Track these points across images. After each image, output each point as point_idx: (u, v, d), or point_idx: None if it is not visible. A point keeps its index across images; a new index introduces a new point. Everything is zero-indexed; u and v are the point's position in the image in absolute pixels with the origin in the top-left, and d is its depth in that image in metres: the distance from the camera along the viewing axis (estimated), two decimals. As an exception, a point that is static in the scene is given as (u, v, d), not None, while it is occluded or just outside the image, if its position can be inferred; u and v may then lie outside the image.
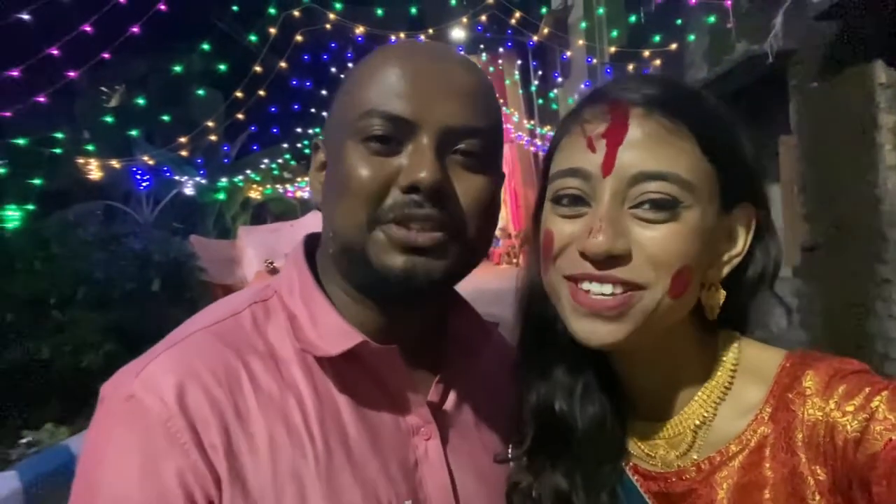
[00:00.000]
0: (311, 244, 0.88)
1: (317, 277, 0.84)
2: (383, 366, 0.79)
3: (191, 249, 9.23)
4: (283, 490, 0.70)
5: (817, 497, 0.65)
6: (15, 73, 5.60)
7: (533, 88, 16.05)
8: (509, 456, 0.84)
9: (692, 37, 7.23)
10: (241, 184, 11.97)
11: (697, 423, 0.75)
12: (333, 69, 11.22)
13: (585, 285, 0.70)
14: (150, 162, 9.28)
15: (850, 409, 0.64)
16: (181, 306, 8.56)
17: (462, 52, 0.91)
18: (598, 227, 0.67)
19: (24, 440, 5.86)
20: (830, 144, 5.09)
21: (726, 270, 0.75)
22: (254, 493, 0.69)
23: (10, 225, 7.68)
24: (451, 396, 0.86)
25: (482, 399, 0.89)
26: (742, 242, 0.75)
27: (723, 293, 0.74)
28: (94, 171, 9.17)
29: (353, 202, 0.75)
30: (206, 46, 7.90)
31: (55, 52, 5.62)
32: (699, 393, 0.76)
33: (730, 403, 0.75)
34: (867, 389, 0.65)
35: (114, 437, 0.69)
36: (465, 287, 0.87)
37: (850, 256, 4.91)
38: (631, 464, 0.80)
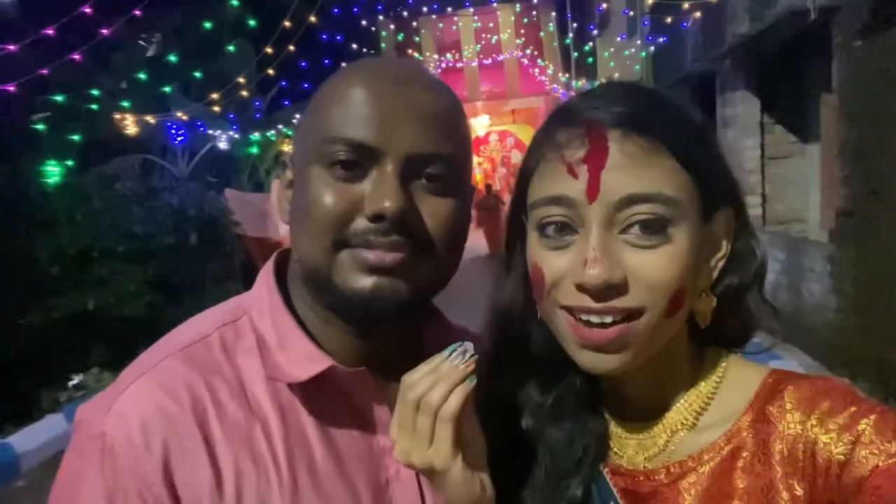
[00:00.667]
0: (282, 262, 0.88)
1: (288, 297, 0.84)
2: (353, 388, 0.80)
3: (225, 204, 9.38)
4: None
5: None
6: (50, 32, 5.67)
7: (568, 41, 15.59)
8: None
9: (734, -12, 6.92)
10: (273, 138, 12.02)
11: (674, 429, 0.76)
12: (364, 22, 11.06)
13: (584, 315, 0.69)
14: (185, 117, 9.37)
15: (834, 427, 0.65)
16: (217, 259, 8.80)
17: (433, 74, 0.88)
18: (593, 258, 0.67)
19: (72, 383, 6.20)
20: (872, 105, 4.89)
21: (714, 275, 0.76)
22: None
23: (52, 180, 7.89)
24: None
25: None
26: (725, 245, 0.76)
27: (713, 299, 0.75)
28: (131, 125, 9.32)
29: (318, 227, 0.75)
30: (235, 2, 7.87)
31: (88, 10, 5.66)
32: (681, 401, 0.77)
33: (710, 414, 0.76)
34: (853, 409, 0.65)
35: (86, 478, 0.71)
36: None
37: (885, 223, 4.77)
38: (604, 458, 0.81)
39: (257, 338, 0.80)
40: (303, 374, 0.77)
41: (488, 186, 16.17)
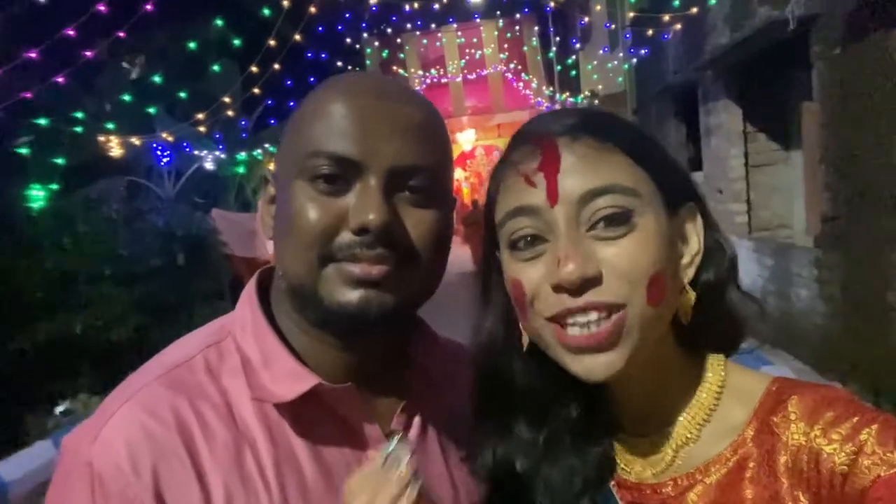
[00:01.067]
0: (265, 279, 0.88)
1: (271, 314, 0.84)
2: (341, 404, 0.80)
3: (212, 224, 9.35)
4: None
5: None
6: (33, 55, 5.65)
7: (551, 55, 15.75)
8: None
9: (713, 1, 7.03)
10: (259, 157, 12.01)
11: (680, 443, 0.75)
12: (349, 40, 11.11)
13: (570, 320, 0.69)
14: (170, 138, 9.35)
15: (837, 437, 0.64)
16: (205, 280, 8.76)
17: (416, 91, 0.88)
18: (565, 256, 0.68)
19: (59, 409, 6.11)
20: (852, 112, 4.96)
21: (692, 271, 0.76)
22: None
23: (36, 204, 7.83)
24: (415, 427, 0.86)
25: (449, 428, 0.89)
26: (696, 241, 0.76)
27: (693, 294, 0.75)
28: (116, 147, 9.28)
29: (303, 243, 0.75)
30: (219, 21, 7.89)
31: (72, 32, 5.65)
32: (683, 414, 0.76)
33: (713, 425, 0.75)
34: (855, 419, 0.64)
35: None
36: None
37: (870, 226, 4.83)
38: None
39: (242, 358, 0.80)
40: (289, 393, 0.77)
41: (475, 202, 16.20)
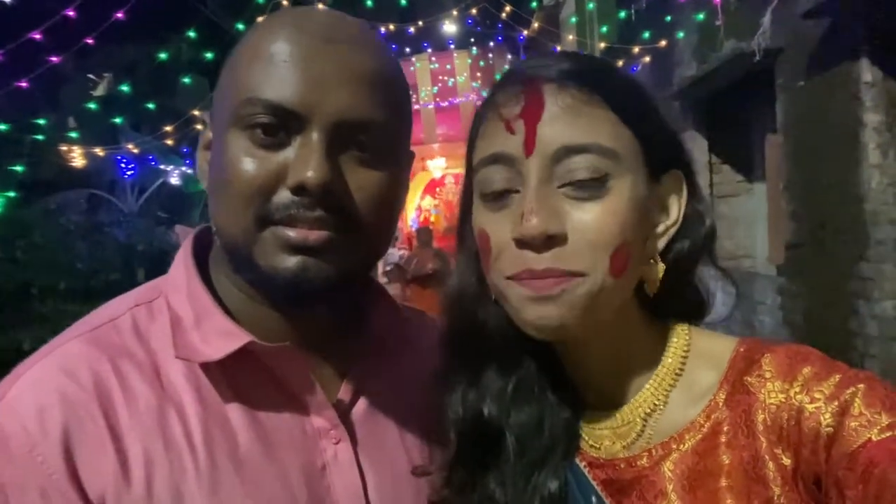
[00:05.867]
0: (203, 239, 0.83)
1: (208, 273, 0.79)
2: (279, 366, 0.74)
3: (176, 240, 9.15)
4: None
5: (779, 482, 0.64)
6: (-3, 58, 5.50)
7: (523, 83, 16.00)
8: (430, 469, 0.80)
9: (681, 34, 7.23)
10: (227, 174, 11.87)
11: (648, 410, 0.73)
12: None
13: (528, 281, 0.68)
14: (135, 151, 9.17)
15: (819, 395, 0.63)
16: (165, 297, 8.53)
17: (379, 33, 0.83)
18: (531, 210, 0.66)
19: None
20: (815, 143, 5.12)
21: (663, 242, 0.74)
22: None
23: (-9, 212, 7.58)
24: (365, 395, 0.81)
25: (405, 398, 0.83)
26: (676, 211, 0.74)
27: (662, 266, 0.73)
28: (78, 158, 9.05)
29: (238, 200, 0.69)
30: (192, 34, 7.81)
31: (38, 36, 5.52)
32: (649, 381, 0.74)
33: (681, 390, 0.73)
34: (837, 377, 0.63)
35: None
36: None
37: (833, 255, 4.94)
38: (579, 451, 0.78)
39: (172, 317, 0.74)
40: (217, 352, 0.71)
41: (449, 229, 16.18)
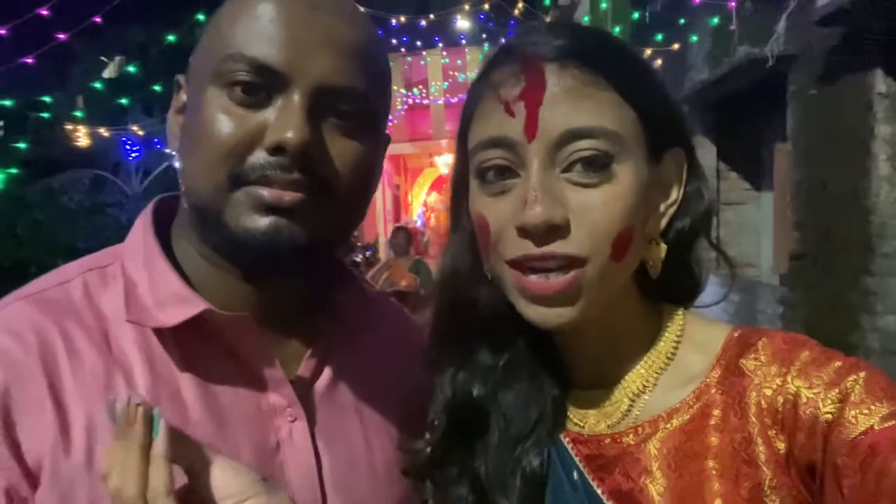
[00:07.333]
0: (166, 205, 0.81)
1: (168, 240, 0.77)
2: (236, 337, 0.72)
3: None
4: (99, 479, 0.60)
5: (771, 465, 0.62)
6: (2, 32, 5.47)
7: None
8: (415, 446, 0.79)
9: (695, 37, 7.17)
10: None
11: (636, 392, 0.73)
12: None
13: (529, 265, 0.66)
14: (141, 133, 9.16)
15: (818, 382, 0.62)
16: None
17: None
18: (534, 198, 0.64)
19: None
20: (825, 152, 5.06)
21: (664, 222, 0.73)
22: (64, 482, 0.62)
23: (-7, 188, 7.57)
24: (326, 374, 0.79)
25: (367, 379, 0.82)
26: (676, 191, 0.73)
27: (663, 247, 0.72)
28: (83, 138, 9.04)
29: (212, 159, 0.67)
30: (202, 17, 7.79)
31: (45, 12, 5.49)
32: (640, 363, 0.74)
33: (671, 373, 0.73)
34: (836, 364, 0.63)
35: None
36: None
37: (838, 266, 4.88)
38: (564, 429, 0.77)
39: (126, 283, 0.73)
40: (172, 318, 0.69)
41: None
